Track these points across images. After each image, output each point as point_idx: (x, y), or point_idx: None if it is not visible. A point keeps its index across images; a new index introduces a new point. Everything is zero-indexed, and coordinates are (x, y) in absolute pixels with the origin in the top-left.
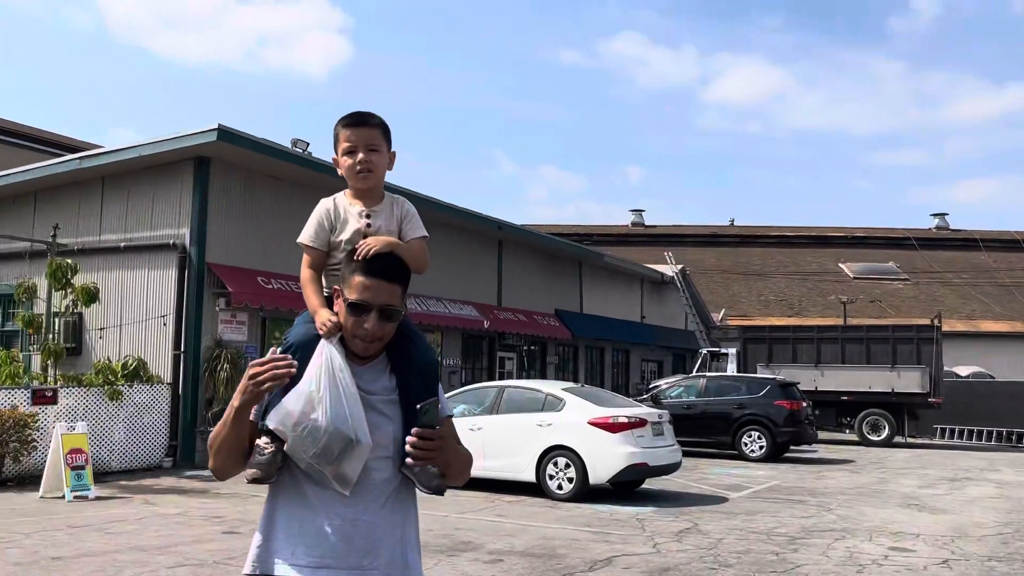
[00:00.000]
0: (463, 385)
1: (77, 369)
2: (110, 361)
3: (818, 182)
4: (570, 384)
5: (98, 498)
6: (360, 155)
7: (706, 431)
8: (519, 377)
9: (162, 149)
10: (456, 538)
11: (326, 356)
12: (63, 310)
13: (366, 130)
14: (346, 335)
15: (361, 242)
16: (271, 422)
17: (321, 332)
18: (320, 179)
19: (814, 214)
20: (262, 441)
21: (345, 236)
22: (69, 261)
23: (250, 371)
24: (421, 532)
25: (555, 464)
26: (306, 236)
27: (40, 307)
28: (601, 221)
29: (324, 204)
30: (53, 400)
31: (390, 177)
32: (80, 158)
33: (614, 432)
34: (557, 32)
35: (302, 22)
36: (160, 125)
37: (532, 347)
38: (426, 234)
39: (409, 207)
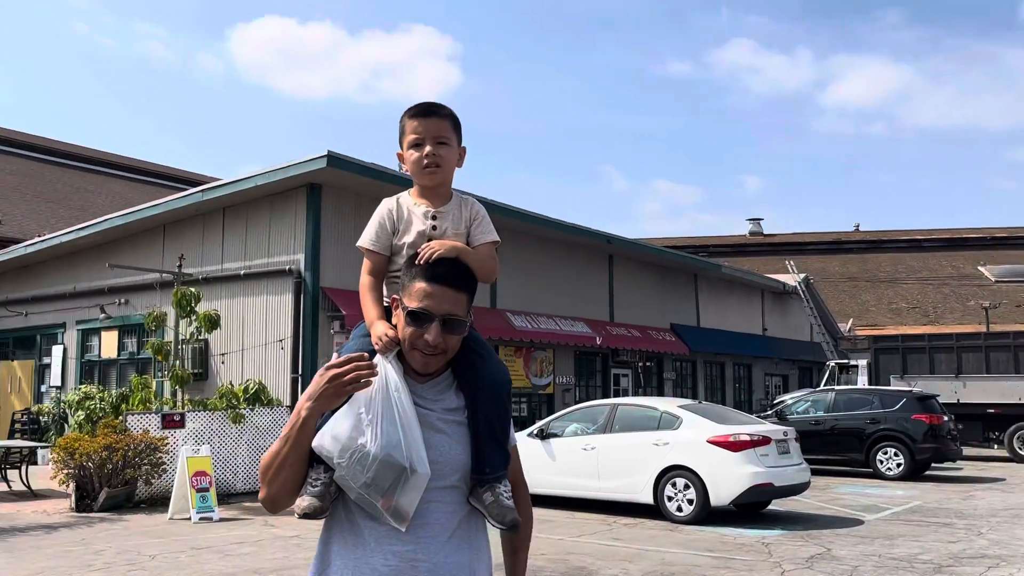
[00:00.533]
0: (577, 403)
1: (205, 393)
2: (232, 385)
3: (950, 182)
4: (686, 401)
5: (222, 519)
6: (427, 148)
7: (836, 448)
8: (635, 394)
9: (276, 178)
10: (571, 563)
11: (381, 373)
12: (188, 337)
13: (435, 121)
14: (405, 348)
15: (424, 245)
16: (316, 446)
17: (376, 347)
18: None
19: (947, 216)
20: (314, 471)
21: (408, 239)
22: (193, 290)
23: (328, 373)
24: (533, 555)
25: (673, 485)
26: (366, 239)
27: (169, 335)
28: (717, 232)
29: (386, 204)
30: (181, 424)
31: (483, 189)
32: (202, 191)
33: (735, 451)
34: (665, 45)
35: (413, 52)
36: (286, 159)
37: (648, 363)
38: (497, 239)
39: (479, 209)
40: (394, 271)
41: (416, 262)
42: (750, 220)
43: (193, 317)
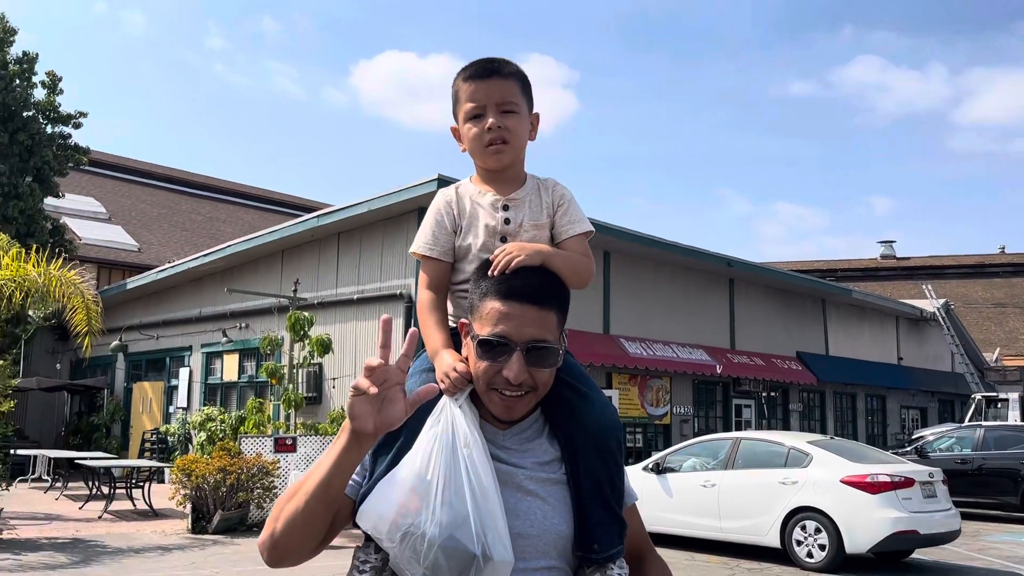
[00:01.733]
0: (696, 435)
1: (318, 418)
2: (343, 410)
3: None
4: (817, 436)
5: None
6: (490, 120)
7: (986, 490)
8: (758, 426)
9: (388, 202)
10: None
11: (446, 423)
12: (302, 361)
13: (497, 83)
14: (480, 388)
15: (497, 251)
16: (362, 521)
17: (442, 387)
18: None
19: None
20: (364, 549)
21: (474, 239)
22: (306, 314)
23: (352, 390)
24: None
25: (803, 528)
26: (420, 242)
27: (285, 359)
28: (845, 256)
29: (443, 195)
30: (293, 448)
31: (598, 214)
32: (318, 216)
33: (873, 493)
34: (785, 65)
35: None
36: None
37: (772, 393)
38: (590, 228)
39: (563, 191)
40: (460, 283)
41: (488, 273)
42: (881, 243)
43: (306, 341)
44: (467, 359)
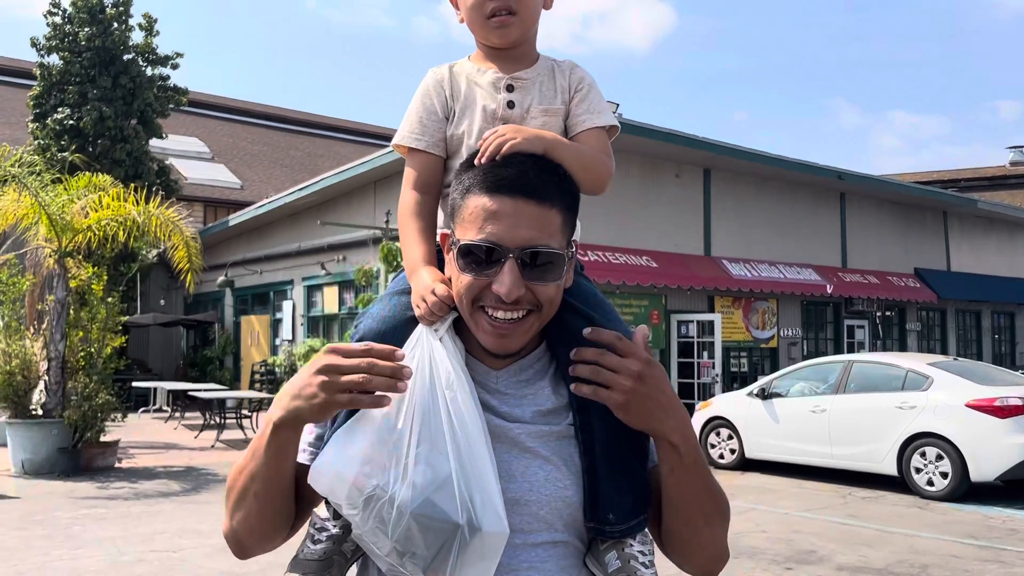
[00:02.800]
0: (805, 359)
1: None
2: None
3: None
4: (937, 357)
5: None
6: None
7: None
8: (872, 348)
9: None
10: (796, 545)
11: (421, 358)
12: None
13: None
14: (463, 311)
15: (487, 133)
16: (315, 482)
17: (417, 313)
18: (631, 143)
19: None
20: (321, 514)
21: (469, 125)
22: (398, 244)
23: (325, 359)
24: (753, 532)
25: (923, 455)
26: (403, 132)
27: (381, 290)
28: (968, 164)
29: (433, 74)
30: None
31: (698, 130)
32: None
33: (1003, 417)
34: None
35: None
36: None
37: (887, 312)
38: (614, 122)
39: (584, 75)
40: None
41: (475, 162)
42: (1011, 148)
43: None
44: (451, 280)
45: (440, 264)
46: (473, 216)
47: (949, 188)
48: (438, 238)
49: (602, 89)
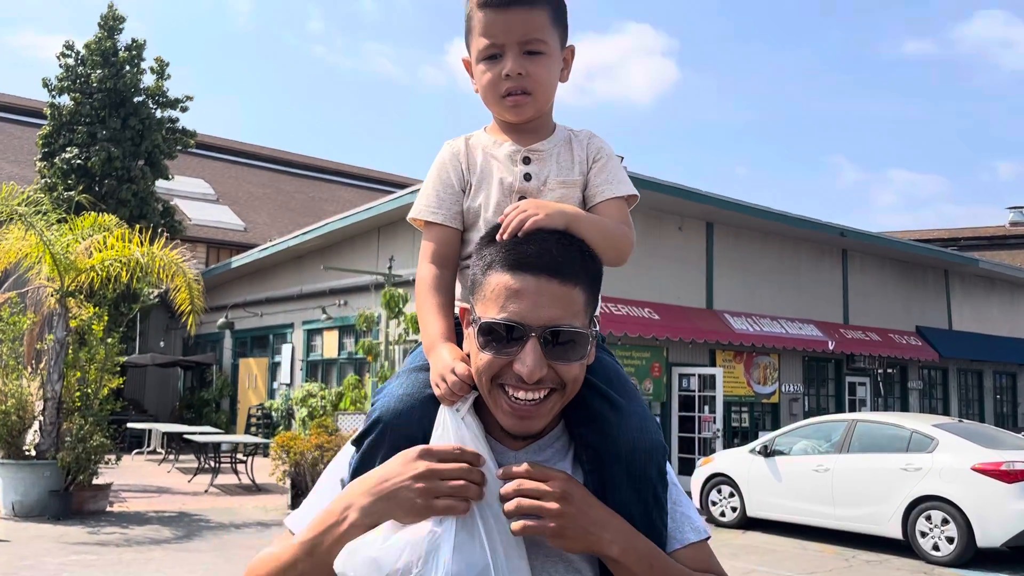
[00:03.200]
0: (806, 415)
1: None
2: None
3: None
4: (942, 418)
5: None
6: (509, 63)
7: None
8: (874, 406)
9: None
10: None
11: (451, 443)
12: (397, 338)
13: (521, 14)
14: (482, 390)
15: (509, 208)
16: (345, 565)
17: (437, 392)
18: None
19: None
20: None
21: (485, 198)
22: (401, 291)
23: (424, 465)
24: None
25: (928, 519)
26: (420, 205)
27: (381, 336)
28: (968, 224)
29: (450, 147)
30: None
31: (698, 183)
32: (412, 192)
33: (1009, 482)
34: (898, 22)
35: (627, 50)
36: None
37: (889, 370)
38: (633, 192)
39: (602, 145)
40: (470, 256)
41: (498, 237)
42: (1011, 209)
43: (401, 318)
44: (469, 356)
45: (458, 338)
46: (495, 294)
47: (949, 247)
48: (456, 311)
49: (606, 141)
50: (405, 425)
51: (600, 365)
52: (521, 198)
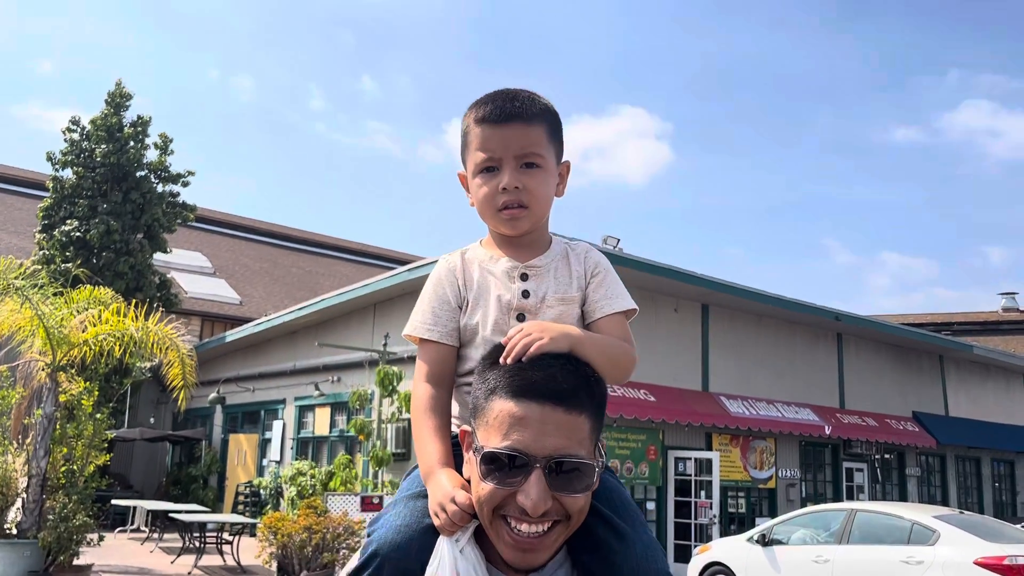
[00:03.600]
0: (803, 501)
1: None
2: None
3: None
4: (943, 510)
5: None
6: (506, 178)
7: None
8: (872, 492)
9: None
10: None
11: (443, 570)
12: (390, 417)
13: (519, 130)
14: (483, 520)
15: (512, 331)
16: None
17: (436, 522)
18: (631, 277)
19: None
20: None
21: (483, 316)
22: (395, 369)
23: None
24: None
25: None
26: (415, 322)
27: (374, 414)
28: (959, 308)
29: (446, 262)
30: (379, 507)
31: (693, 265)
32: (408, 269)
33: None
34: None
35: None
36: None
37: (886, 456)
38: (632, 306)
39: (599, 259)
40: (467, 374)
41: (501, 360)
42: (1002, 295)
43: (395, 396)
44: (470, 482)
45: (456, 459)
46: (498, 421)
47: (942, 331)
48: (455, 431)
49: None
50: (403, 558)
51: (604, 489)
52: (519, 315)
